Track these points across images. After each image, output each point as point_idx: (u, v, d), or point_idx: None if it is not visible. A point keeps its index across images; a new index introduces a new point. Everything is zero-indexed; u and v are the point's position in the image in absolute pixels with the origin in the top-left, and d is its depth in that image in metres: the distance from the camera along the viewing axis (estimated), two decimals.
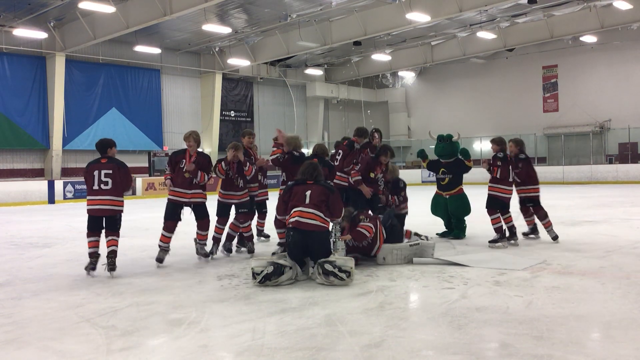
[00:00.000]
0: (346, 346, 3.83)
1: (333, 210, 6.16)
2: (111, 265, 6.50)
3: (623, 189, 21.28)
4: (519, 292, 5.22)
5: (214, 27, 22.98)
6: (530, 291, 5.24)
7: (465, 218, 9.12)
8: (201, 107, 30.07)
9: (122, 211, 6.80)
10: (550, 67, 31.26)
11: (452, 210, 9.01)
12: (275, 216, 7.33)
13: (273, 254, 7.20)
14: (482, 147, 32.91)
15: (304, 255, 6.04)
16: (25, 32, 21.47)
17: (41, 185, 22.38)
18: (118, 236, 6.71)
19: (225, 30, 23.77)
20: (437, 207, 9.23)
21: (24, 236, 11.06)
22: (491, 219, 8.17)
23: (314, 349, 3.79)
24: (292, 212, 6.11)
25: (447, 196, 9.04)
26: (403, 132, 36.42)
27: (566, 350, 3.66)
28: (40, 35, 21.90)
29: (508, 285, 5.53)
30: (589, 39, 27.47)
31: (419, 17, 21.50)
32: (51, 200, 22.27)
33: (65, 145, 24.44)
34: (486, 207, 8.25)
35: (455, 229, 9.05)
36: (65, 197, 22.68)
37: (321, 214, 6.02)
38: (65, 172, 24.61)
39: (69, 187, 22.90)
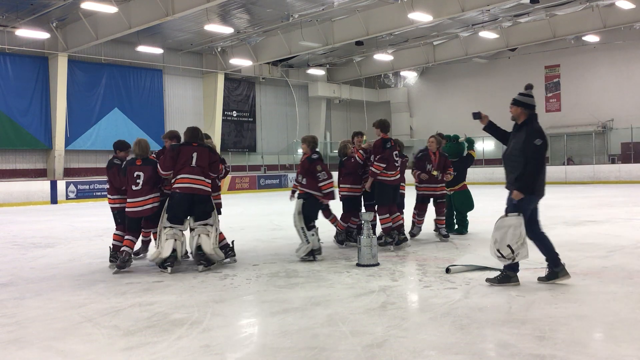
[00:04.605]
0: (348, 346, 3.83)
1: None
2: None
3: (625, 189, 21.24)
4: (521, 292, 5.21)
5: (216, 27, 22.99)
6: (533, 291, 5.23)
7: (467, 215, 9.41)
8: (203, 108, 30.09)
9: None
10: (552, 67, 31.19)
11: (457, 206, 9.29)
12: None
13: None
14: (485, 147, 32.87)
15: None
16: (28, 33, 21.49)
17: (44, 185, 22.42)
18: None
19: (228, 30, 23.78)
20: None
21: (26, 236, 11.08)
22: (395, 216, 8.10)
23: (316, 349, 3.80)
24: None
25: (451, 192, 9.21)
26: (405, 132, 36.37)
27: (568, 350, 3.65)
28: (42, 35, 21.92)
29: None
30: (592, 38, 27.41)
31: (421, 17, 21.48)
32: (54, 200, 22.30)
33: (68, 145, 24.48)
34: (400, 205, 8.23)
35: (458, 225, 9.35)
36: (67, 198, 22.71)
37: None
38: (68, 172, 24.65)
39: (72, 187, 22.93)
